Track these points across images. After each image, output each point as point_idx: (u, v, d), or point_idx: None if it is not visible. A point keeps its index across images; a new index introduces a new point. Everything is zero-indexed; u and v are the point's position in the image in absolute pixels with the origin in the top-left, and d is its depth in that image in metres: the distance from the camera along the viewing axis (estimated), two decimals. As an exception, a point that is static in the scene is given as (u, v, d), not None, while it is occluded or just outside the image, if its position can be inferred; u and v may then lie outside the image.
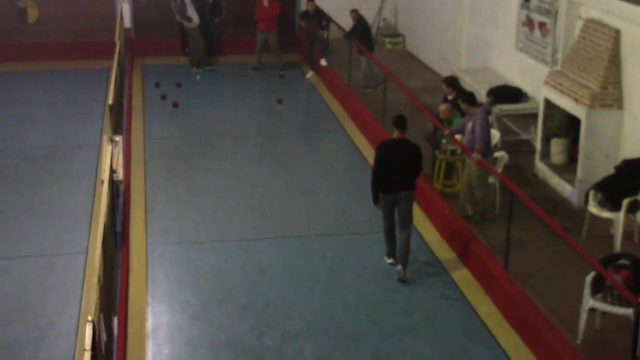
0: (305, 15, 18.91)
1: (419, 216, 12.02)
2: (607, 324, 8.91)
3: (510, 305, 9.50)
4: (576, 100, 11.56)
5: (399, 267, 10.40)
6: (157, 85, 18.02)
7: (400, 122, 10.32)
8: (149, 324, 9.49)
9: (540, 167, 12.68)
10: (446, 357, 8.96)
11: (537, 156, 12.77)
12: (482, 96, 13.72)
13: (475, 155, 10.99)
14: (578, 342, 8.73)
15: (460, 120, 11.94)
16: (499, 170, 11.46)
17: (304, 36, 19.50)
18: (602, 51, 11.50)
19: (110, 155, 10.87)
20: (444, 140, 12.19)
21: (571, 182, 11.87)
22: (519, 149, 13.41)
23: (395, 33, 21.28)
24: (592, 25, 11.89)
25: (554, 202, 11.81)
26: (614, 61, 11.35)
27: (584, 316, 8.71)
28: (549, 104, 12.38)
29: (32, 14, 20.04)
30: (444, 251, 11.13)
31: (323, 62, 18.76)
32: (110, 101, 13.23)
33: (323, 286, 10.28)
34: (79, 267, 10.57)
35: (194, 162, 14.05)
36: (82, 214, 12.04)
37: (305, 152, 14.77)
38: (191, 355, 8.96)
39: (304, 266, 10.76)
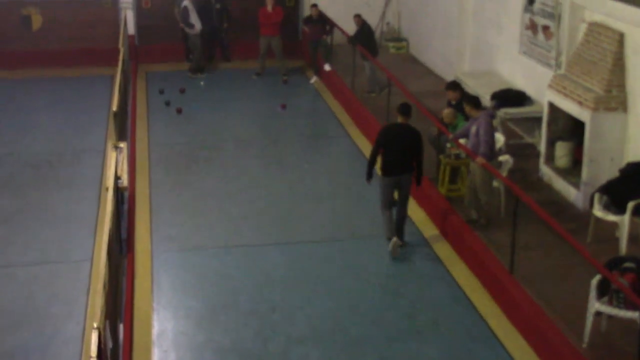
0: (308, 20, 18.94)
1: (422, 220, 12.03)
2: (613, 327, 8.90)
3: (516, 308, 9.50)
4: (580, 103, 11.55)
5: (395, 238, 10.99)
6: (161, 91, 18.05)
7: (405, 109, 10.99)
8: (155, 330, 9.50)
9: (545, 170, 12.67)
10: (452, 362, 8.97)
11: (542, 160, 12.77)
12: (486, 100, 13.72)
13: (480, 159, 10.99)
14: (584, 345, 8.72)
15: (464, 124, 11.95)
16: (504, 174, 11.46)
17: (307, 41, 19.53)
18: (606, 54, 11.50)
19: (115, 162, 10.89)
20: (448, 145, 12.20)
21: (576, 185, 11.86)
22: (524, 152, 13.40)
23: (399, 37, 21.29)
24: (596, 29, 11.89)
25: (559, 206, 11.80)
26: (618, 64, 11.35)
27: (589, 320, 8.70)
28: (553, 107, 12.37)
29: (36, 22, 20.08)
30: (448, 256, 11.12)
31: (327, 67, 18.77)
32: (114, 108, 13.25)
33: (328, 291, 10.28)
34: (85, 273, 10.58)
35: (198, 168, 14.06)
36: (87, 220, 12.05)
37: (309, 157, 14.78)
38: (197, 361, 8.97)
39: (309, 271, 10.77)
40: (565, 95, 11.92)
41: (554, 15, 13.10)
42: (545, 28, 13.59)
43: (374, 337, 9.33)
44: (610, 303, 8.61)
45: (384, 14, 21.28)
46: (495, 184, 11.47)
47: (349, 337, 9.34)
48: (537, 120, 13.22)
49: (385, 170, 10.95)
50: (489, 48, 16.06)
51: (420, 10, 20.03)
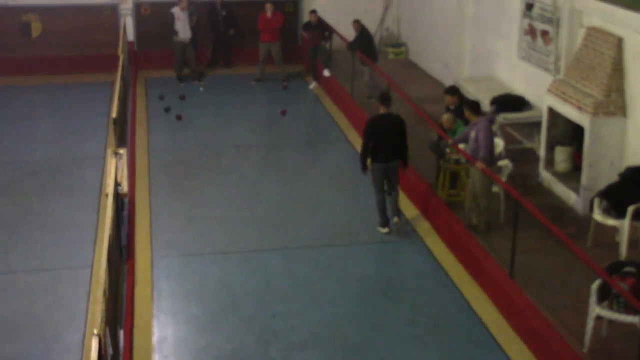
0: (307, 26, 18.96)
1: (422, 226, 12.03)
2: (613, 332, 8.88)
3: (517, 313, 9.49)
4: (580, 108, 11.56)
5: (395, 218, 11.86)
6: (161, 97, 18.06)
7: (385, 99, 11.82)
8: (155, 336, 9.49)
9: (545, 175, 12.67)
10: (453, 367, 8.96)
11: (541, 164, 12.77)
12: (485, 105, 13.72)
13: (479, 164, 10.99)
14: (585, 350, 8.71)
15: (463, 129, 11.94)
16: (503, 179, 11.45)
17: (306, 47, 19.54)
18: (605, 59, 11.51)
19: (115, 168, 10.89)
20: (447, 150, 12.20)
21: (576, 190, 11.86)
22: (523, 157, 13.40)
23: (398, 43, 21.31)
24: (595, 33, 11.90)
25: (559, 211, 11.79)
26: (617, 69, 11.36)
27: (590, 324, 8.69)
28: (552, 112, 12.38)
29: (36, 29, 20.10)
30: (448, 261, 11.12)
31: (326, 73, 18.79)
32: (114, 114, 13.26)
33: (328, 296, 10.27)
34: (85, 280, 10.57)
35: (198, 174, 14.06)
36: (87, 227, 12.05)
37: (309, 163, 14.79)
38: (197, 367, 8.96)
39: (309, 277, 10.76)
40: (565, 100, 11.92)
41: (553, 20, 13.11)
42: (544, 33, 13.60)
43: (375, 342, 9.32)
44: (610, 307, 8.60)
45: (383, 19, 21.30)
46: (495, 189, 11.46)
47: (350, 343, 9.33)
48: (537, 125, 13.22)
49: (375, 158, 11.65)
50: (488, 53, 16.07)
51: (419, 16, 20.05)
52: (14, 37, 19.92)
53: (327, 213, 12.63)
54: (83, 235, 11.80)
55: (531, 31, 14.07)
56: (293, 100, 18.24)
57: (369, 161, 11.73)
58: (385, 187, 11.82)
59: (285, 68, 19.39)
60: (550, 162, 12.60)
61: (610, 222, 10.48)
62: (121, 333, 9.09)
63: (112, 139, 14.09)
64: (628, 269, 8.74)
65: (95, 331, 6.87)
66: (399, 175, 11.90)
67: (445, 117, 12.46)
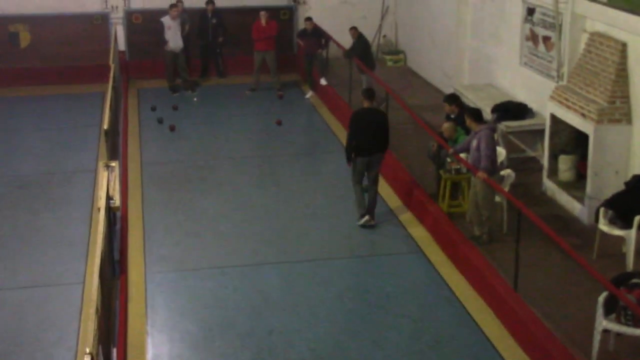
0: (303, 33, 18.98)
1: (424, 238, 12.01)
2: (621, 345, 8.86)
3: (521, 327, 9.46)
4: (583, 115, 11.56)
5: (367, 217, 12.29)
6: (154, 108, 18.05)
7: (369, 94, 12.47)
8: (149, 354, 9.45)
9: (548, 184, 12.66)
10: (456, 383, 8.92)
11: (545, 173, 12.76)
12: (486, 113, 13.72)
13: (481, 174, 10.98)
14: (592, 364, 8.68)
15: (464, 138, 11.94)
16: (506, 188, 11.44)
17: (302, 55, 19.56)
18: (608, 65, 11.52)
19: (107, 182, 10.86)
20: (448, 159, 12.19)
21: (580, 199, 11.85)
22: (526, 166, 13.40)
23: (396, 50, 21.35)
24: (598, 39, 11.91)
25: (563, 221, 11.78)
26: (621, 75, 11.36)
27: (597, 338, 8.66)
28: (555, 119, 12.38)
29: (25, 39, 20.10)
30: (450, 273, 11.09)
31: (323, 82, 18.80)
32: (105, 126, 13.24)
33: (327, 312, 10.24)
34: (76, 297, 10.53)
35: (192, 187, 14.04)
36: (78, 242, 12.01)
37: (306, 174, 14.77)
38: (193, 386, 8.91)
39: (307, 292, 10.73)
40: (568, 107, 11.92)
41: (555, 26, 13.13)
42: (546, 39, 13.61)
43: (375, 359, 9.28)
44: (618, 320, 8.57)
45: (380, 26, 21.34)
46: (497, 199, 11.45)
47: (350, 359, 9.29)
48: (539, 133, 13.23)
49: (358, 151, 12.16)
50: (488, 60, 16.08)
51: (417, 23, 20.08)
52: (1, 47, 19.92)
53: (325, 225, 12.60)
54: (74, 251, 11.76)
55: (533, 37, 14.08)
56: (289, 110, 18.24)
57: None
58: (365, 182, 12.37)
59: (281, 77, 19.40)
60: (553, 171, 12.59)
61: (617, 232, 10.46)
62: (114, 351, 9.04)
63: (103, 152, 14.08)
64: (635, 280, 8.72)
65: (88, 350, 6.83)
66: (380, 171, 12.54)
67: (446, 126, 12.46)
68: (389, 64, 20.84)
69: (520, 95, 14.57)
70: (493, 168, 11.17)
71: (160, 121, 17.22)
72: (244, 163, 15.18)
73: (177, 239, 12.16)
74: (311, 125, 17.54)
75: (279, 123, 17.16)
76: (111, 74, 15.79)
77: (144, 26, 20.29)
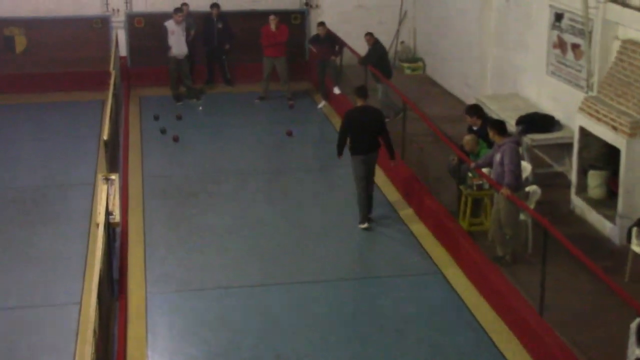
0: (316, 39, 19.01)
1: (443, 258, 11.99)
2: (654, 375, 8.80)
3: (547, 354, 9.43)
4: (615, 128, 11.53)
5: (365, 224, 12.78)
6: (156, 118, 18.10)
7: (362, 92, 13.02)
8: (149, 380, 9.46)
9: (577, 202, 12.63)
10: (477, 414, 8.89)
11: (573, 190, 12.73)
12: (510, 125, 13.71)
13: (505, 190, 10.96)
14: (623, 395, 8.63)
15: (487, 152, 11.93)
16: (531, 206, 11.42)
17: (315, 62, 19.59)
18: (641, 74, 11.50)
19: (106, 196, 10.90)
20: (469, 174, 12.18)
21: (611, 218, 11.81)
22: (553, 182, 13.37)
23: (415, 57, 21.37)
24: (631, 46, 11.90)
25: (593, 241, 11.75)
26: (655, 85, 11.35)
27: (629, 367, 8.62)
28: (584, 132, 12.36)
29: (20, 43, 20.20)
30: (471, 296, 11.07)
31: (336, 91, 18.82)
32: (105, 136, 13.29)
33: (339, 336, 10.23)
34: (72, 319, 10.54)
35: (196, 202, 14.06)
36: (75, 260, 12.03)
37: (318, 190, 14.77)
38: (196, 414, 8.91)
39: (318, 314, 10.72)
40: (598, 119, 11.90)
41: (585, 33, 13.11)
42: (575, 46, 13.61)
43: (391, 387, 9.27)
44: (651, 348, 8.52)
45: (398, 32, 21.37)
46: (522, 217, 11.43)
47: (363, 388, 9.29)
48: (567, 146, 13.20)
49: (354, 150, 12.83)
50: (513, 69, 16.08)
51: (437, 28, 20.10)
52: (-4, 52, 20.04)
53: (337, 244, 12.60)
54: (71, 269, 11.78)
55: (561, 44, 14.07)
56: (300, 121, 18.27)
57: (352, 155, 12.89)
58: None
59: (292, 86, 19.43)
60: (582, 188, 12.57)
61: (650, 253, 10.44)
62: (112, 377, 9.05)
63: (102, 164, 14.12)
64: (670, 305, 8.67)
65: (84, 375, 6.84)
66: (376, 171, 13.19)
67: (467, 139, 12.45)
68: (407, 72, 20.86)
69: (547, 106, 14.56)
70: (517, 184, 11.15)
71: (163, 131, 17.27)
72: (251, 177, 15.20)
73: (180, 257, 12.17)
74: (324, 137, 17.54)
75: (290, 134, 17.19)
76: (112, 81, 15.85)
77: (146, 31, 20.37)
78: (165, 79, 19.54)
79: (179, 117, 18.22)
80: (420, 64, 21.08)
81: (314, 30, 19.84)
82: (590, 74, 13.06)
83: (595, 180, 12.39)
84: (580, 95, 13.05)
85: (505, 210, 11.13)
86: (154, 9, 20.41)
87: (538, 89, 15.05)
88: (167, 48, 18.94)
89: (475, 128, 12.70)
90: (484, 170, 11.79)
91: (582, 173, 12.55)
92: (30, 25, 20.12)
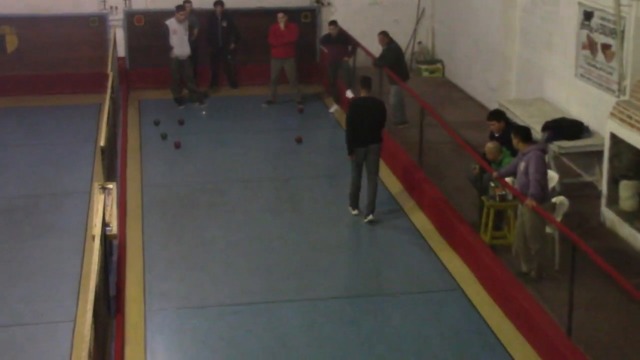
0: (327, 39, 19.03)
1: (463, 274, 11.97)
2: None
3: (576, 379, 9.40)
4: (648, 135, 11.52)
5: (370, 216, 13.48)
6: (157, 123, 18.14)
7: (366, 82, 13.66)
8: (148, 404, 9.46)
9: (607, 214, 12.60)
10: None
11: (603, 202, 12.70)
12: (536, 132, 13.70)
13: (530, 202, 10.94)
14: (658, 423, 8.60)
15: (510, 160, 11.91)
16: (558, 218, 11.40)
17: (326, 64, 19.60)
18: (677, 77, 11.48)
19: (103, 206, 10.91)
20: (492, 184, 12.16)
21: (644, 231, 11.80)
22: (582, 193, 13.35)
23: (433, 59, 21.37)
24: (665, 48, 11.88)
25: (625, 256, 11.72)
26: (692, 89, 11.32)
27: (664, 392, 8.59)
28: (615, 139, 12.33)
29: (11, 43, 20.27)
30: (494, 316, 11.04)
31: (349, 94, 18.82)
32: (102, 142, 13.31)
33: (352, 358, 10.20)
34: (66, 338, 10.54)
35: (199, 213, 14.08)
36: (69, 275, 12.04)
37: (330, 200, 14.76)
38: None
39: (331, 334, 10.71)
40: (631, 125, 11.88)
41: (616, 32, 13.09)
42: (606, 47, 13.59)
43: (408, 413, 9.25)
44: (688, 373, 8.50)
45: (415, 31, 21.38)
46: (548, 230, 11.41)
47: (378, 413, 9.27)
48: (597, 154, 13.19)
49: (354, 141, 13.37)
50: (539, 71, 16.06)
51: (457, 28, 20.10)
52: (-15, 53, 20.12)
53: (351, 259, 12.61)
54: (64, 285, 11.80)
55: (590, 45, 14.06)
56: (310, 126, 18.29)
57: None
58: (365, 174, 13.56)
59: (301, 88, 19.45)
60: (613, 199, 12.54)
61: (687, 270, 10.40)
62: (109, 401, 9.05)
63: (99, 172, 14.14)
64: None
65: (79, 399, 6.84)
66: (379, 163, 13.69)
67: (489, 146, 12.44)
68: (425, 74, 20.86)
69: (575, 111, 14.54)
70: (543, 195, 11.13)
71: (164, 137, 17.30)
72: (258, 186, 15.21)
73: (182, 273, 12.17)
74: (335, 144, 17.51)
75: (299, 140, 17.20)
76: (109, 84, 15.89)
77: (146, 29, 20.43)
78: (166, 81, 19.58)
79: (181, 122, 18.25)
80: (438, 66, 21.08)
81: (325, 29, 19.86)
82: (622, 77, 13.04)
83: (627, 191, 12.36)
84: (611, 100, 13.03)
85: (530, 223, 11.11)
86: (154, 6, 20.47)
87: (566, 92, 15.04)
88: (169, 48, 18.97)
89: (498, 135, 12.69)
90: (508, 180, 11.77)
91: (613, 183, 12.53)
92: (22, 23, 20.18)
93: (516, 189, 11.38)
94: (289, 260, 12.55)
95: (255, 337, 10.62)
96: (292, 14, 19.94)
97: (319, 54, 21.01)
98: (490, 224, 12.14)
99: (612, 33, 13.33)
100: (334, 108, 19.16)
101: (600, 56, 13.81)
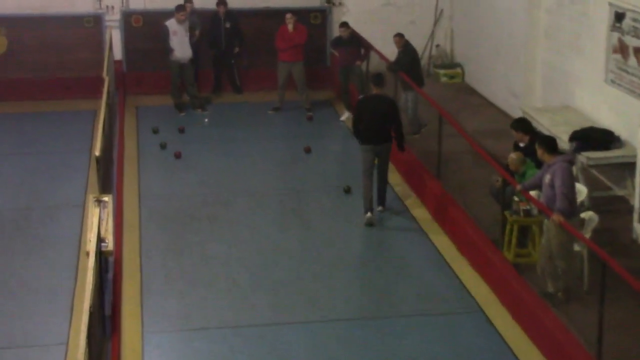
0: (338, 42, 19.04)
1: (484, 295, 11.95)
2: None
3: (606, 408, 9.38)
4: (684, 146, 11.50)
5: (380, 207, 14.27)
6: (156, 131, 18.17)
7: (378, 79, 14.20)
8: None
9: (640, 230, 12.59)
10: None
11: (636, 217, 12.68)
12: (563, 142, 13.69)
13: (556, 217, 10.92)
14: None
15: (535, 172, 11.90)
16: (587, 235, 11.37)
17: (337, 68, 19.62)
18: None
19: (98, 220, 10.92)
20: (515, 198, 12.15)
21: (680, 249, 11.77)
22: (612, 207, 13.33)
23: (452, 63, 21.37)
24: (702, 52, 11.87)
25: (659, 275, 11.69)
26: None
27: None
28: (649, 150, 12.32)
29: (0, 45, 20.32)
30: (517, 339, 11.02)
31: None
32: (97, 152, 13.32)
33: (365, 384, 10.22)
34: (58, 360, 10.56)
35: (201, 227, 14.09)
36: (62, 293, 12.06)
37: (340, 214, 14.76)
38: None
39: (340, 358, 10.69)
40: (665, 135, 11.87)
41: (649, 35, 13.11)
42: (638, 51, 13.58)
43: None
44: None
45: (432, 33, 21.39)
46: (576, 247, 11.39)
47: None
48: (629, 166, 13.17)
49: (364, 139, 14.01)
50: (566, 77, 16.05)
51: (478, 30, 20.10)
52: (-28, 55, 20.19)
53: (361, 277, 12.60)
54: (56, 304, 11.81)
55: (621, 48, 14.05)
56: (320, 135, 18.31)
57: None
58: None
59: (311, 95, 19.47)
60: (646, 214, 12.53)
61: None
62: None
63: (94, 183, 14.16)
64: None
65: None
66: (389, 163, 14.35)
67: (513, 157, 12.42)
68: (443, 79, 20.87)
69: (605, 120, 14.52)
70: (571, 209, 11.11)
71: (163, 146, 17.33)
72: (264, 199, 15.22)
73: (182, 291, 12.18)
74: (346, 153, 17.54)
75: (308, 150, 17.21)
76: (105, 89, 15.91)
77: (145, 30, 20.47)
78: (166, 86, 19.62)
79: (182, 130, 18.28)
80: (458, 70, 21.08)
81: (336, 31, 19.87)
82: (655, 83, 13.06)
83: (661, 205, 12.36)
84: (643, 108, 13.04)
85: (557, 239, 11.07)
86: (153, 6, 20.52)
87: (595, 100, 15.03)
88: (169, 51, 19.01)
89: (522, 145, 12.67)
90: (533, 193, 11.75)
91: (646, 197, 12.52)
92: (12, 23, 20.24)
93: (542, 203, 11.37)
94: (296, 278, 12.55)
95: (260, 361, 10.65)
96: (301, 14, 19.97)
97: (330, 58, 21.02)
98: (513, 240, 12.12)
99: (644, 36, 13.36)
100: (345, 116, 19.14)
101: (632, 60, 13.80)
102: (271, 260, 13.06)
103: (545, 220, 11.36)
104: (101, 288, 10.69)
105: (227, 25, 19.81)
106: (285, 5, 20.24)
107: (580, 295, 11.30)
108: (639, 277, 9.91)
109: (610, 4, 14.30)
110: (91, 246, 10.20)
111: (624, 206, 13.36)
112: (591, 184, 13.44)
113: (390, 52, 18.05)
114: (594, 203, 12.71)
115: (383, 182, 14.39)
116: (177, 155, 16.91)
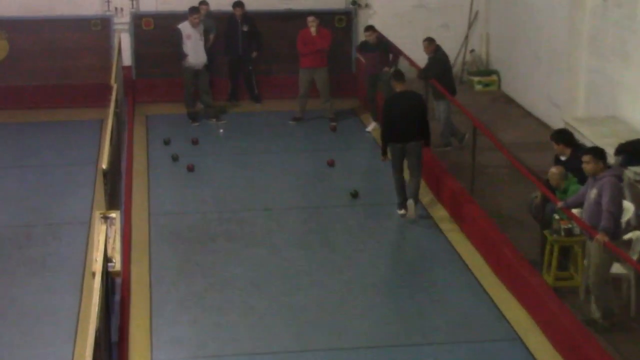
0: (364, 47, 19.04)
1: (522, 321, 11.91)
2: None
3: None
4: None
5: (410, 200, 14.64)
6: (167, 142, 18.22)
7: (400, 75, 14.87)
8: None
9: (692, 252, 12.51)
10: None
11: (688, 238, 12.62)
12: (608, 155, 13.62)
13: (601, 237, 10.87)
14: None
15: (577, 188, 11.85)
16: (634, 256, 11.32)
17: (363, 75, 19.63)
18: None
19: (104, 238, 10.93)
20: (556, 216, 12.11)
21: None
22: (661, 227, 13.27)
23: (487, 70, 21.35)
24: None
25: None
26: None
27: None
28: (702, 165, 12.26)
29: (1, 49, 20.43)
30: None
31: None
32: (104, 165, 13.35)
33: (393, 418, 10.19)
34: (61, 390, 10.61)
35: (215, 247, 14.10)
36: (65, 317, 12.08)
37: (365, 232, 14.75)
38: None
39: (367, 390, 10.70)
40: None
41: (701, 40, 13.06)
42: (689, 57, 13.55)
43: None
44: None
45: (467, 38, 21.38)
46: (623, 270, 11.33)
47: None
48: (680, 183, 13.11)
49: (391, 138, 14.58)
50: (611, 85, 16.01)
51: (516, 35, 20.08)
52: (-28, 61, 20.30)
53: (389, 301, 12.57)
54: (60, 328, 11.83)
55: (671, 55, 14.02)
56: (344, 147, 18.32)
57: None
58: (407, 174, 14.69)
59: (334, 103, 19.48)
60: (700, 235, 12.45)
61: None
62: None
63: (100, 198, 14.19)
64: None
65: None
66: (422, 161, 14.77)
67: (553, 171, 12.39)
68: (478, 87, 20.85)
69: (654, 131, 14.49)
70: (617, 229, 11.05)
71: (175, 159, 17.37)
72: (284, 216, 15.23)
73: (195, 316, 12.18)
74: (373, 167, 17.53)
75: (332, 164, 17.21)
76: (113, 96, 15.96)
77: (156, 34, 20.57)
78: (178, 94, 19.67)
79: (195, 142, 18.33)
80: (494, 77, 21.06)
81: (362, 35, 19.88)
82: None
83: None
84: (696, 119, 12.99)
85: (602, 261, 11.00)
86: (165, 8, 20.61)
87: (643, 110, 15.00)
88: (182, 56, 19.07)
89: (563, 158, 12.64)
90: (575, 211, 11.69)
91: (700, 216, 12.46)
92: (14, 27, 20.37)
93: (584, 222, 11.30)
94: (318, 302, 12.54)
95: (280, 392, 10.65)
96: (325, 17, 19.99)
97: (355, 64, 21.04)
98: (554, 262, 12.08)
99: (697, 41, 13.31)
100: (371, 126, 19.15)
101: (683, 68, 13.77)
102: (291, 283, 13.05)
103: (588, 241, 11.31)
104: (107, 312, 10.70)
105: (245, 28, 19.86)
106: (307, 7, 20.30)
107: (626, 323, 11.24)
108: (691, 303, 9.88)
109: (660, 7, 14.28)
110: (97, 266, 10.19)
111: (674, 226, 13.31)
112: (639, 201, 13.37)
113: (421, 58, 18.03)
114: (641, 222, 12.67)
115: (416, 184, 14.73)
116: (190, 169, 16.95)
